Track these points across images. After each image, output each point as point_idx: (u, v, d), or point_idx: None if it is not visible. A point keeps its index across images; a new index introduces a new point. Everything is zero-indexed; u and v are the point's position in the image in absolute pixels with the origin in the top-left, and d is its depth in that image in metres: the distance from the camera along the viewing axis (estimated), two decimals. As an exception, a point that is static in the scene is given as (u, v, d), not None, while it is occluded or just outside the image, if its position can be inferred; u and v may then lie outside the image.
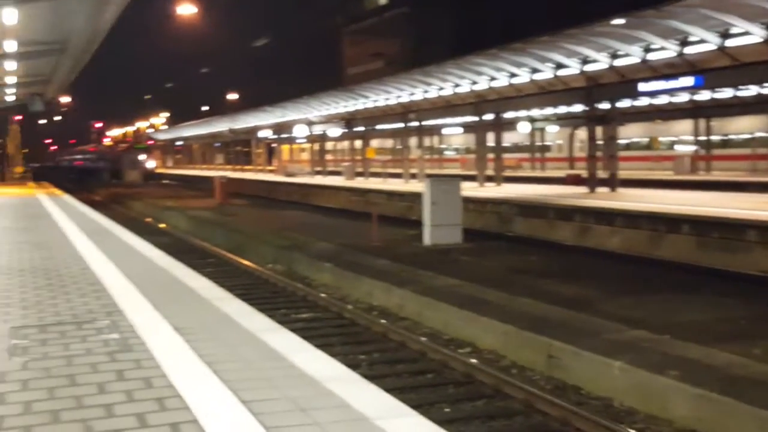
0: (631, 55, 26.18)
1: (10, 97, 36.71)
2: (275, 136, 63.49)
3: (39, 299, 9.20)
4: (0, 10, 15.43)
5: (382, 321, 12.67)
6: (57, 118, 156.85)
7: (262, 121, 62.21)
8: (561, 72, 29.37)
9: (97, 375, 6.00)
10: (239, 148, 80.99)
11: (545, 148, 57.73)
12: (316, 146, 60.41)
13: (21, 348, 6.83)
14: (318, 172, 55.94)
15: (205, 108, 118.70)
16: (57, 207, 27.19)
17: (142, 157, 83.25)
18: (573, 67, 28.54)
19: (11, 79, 27.91)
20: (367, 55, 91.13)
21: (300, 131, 55.28)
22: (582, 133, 51.64)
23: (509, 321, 10.80)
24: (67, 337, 7.21)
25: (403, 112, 41.41)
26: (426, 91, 37.92)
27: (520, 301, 12.11)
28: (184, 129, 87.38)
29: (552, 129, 55.31)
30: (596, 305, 12.20)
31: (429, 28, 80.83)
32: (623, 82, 27.78)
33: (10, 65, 23.36)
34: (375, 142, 66.44)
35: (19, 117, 78.22)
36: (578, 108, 36.66)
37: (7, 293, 9.63)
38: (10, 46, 19.93)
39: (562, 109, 41.50)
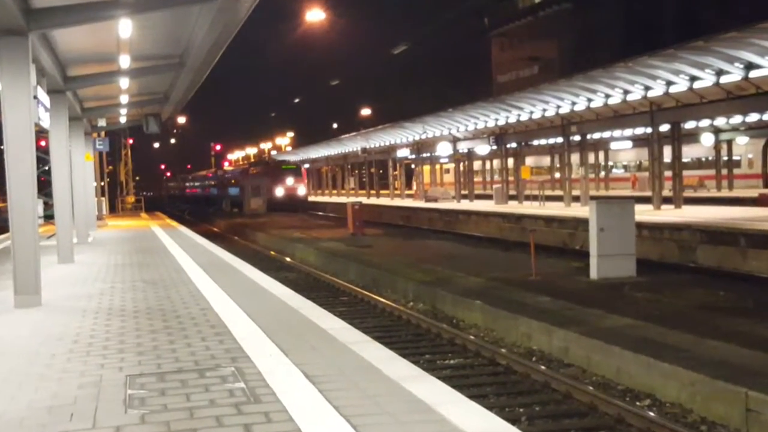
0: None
1: (122, 118, 38.11)
2: (414, 156, 63.79)
3: (156, 344, 9.49)
4: (114, 22, 16.06)
5: (543, 367, 12.50)
6: (172, 141, 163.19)
7: (399, 138, 62.73)
8: (753, 73, 28.33)
9: (222, 429, 6.12)
10: (373, 170, 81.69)
11: (732, 164, 56.02)
12: (462, 166, 60.39)
13: (138, 399, 7.04)
14: (463, 196, 55.93)
15: (334, 125, 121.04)
16: (173, 240, 28.14)
17: (290, 181, 72.04)
18: (767, 67, 27.59)
19: (124, 98, 29.00)
20: (520, 60, 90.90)
21: (443, 149, 55.45)
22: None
23: (696, 368, 10.46)
24: (188, 387, 7.40)
25: (562, 124, 41.00)
26: (590, 100, 37.36)
27: (708, 344, 11.73)
28: (311, 150, 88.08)
29: (741, 141, 53.78)
30: (804, 350, 11.68)
31: (593, 26, 79.92)
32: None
33: (124, 82, 24.28)
34: (530, 160, 66.12)
35: (131, 140, 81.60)
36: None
37: (121, 338, 9.98)
38: (125, 61, 20.72)
39: (754, 117, 40.25)
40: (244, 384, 7.38)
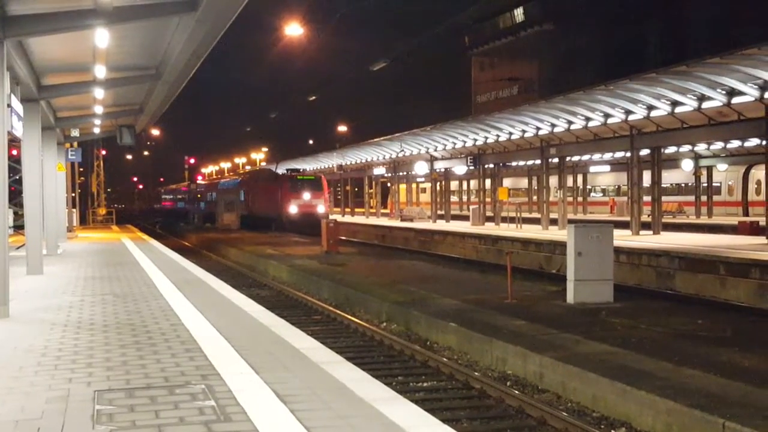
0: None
1: (96, 129, 37.94)
2: (390, 174, 63.84)
3: (125, 359, 9.46)
4: (91, 32, 16.03)
5: (518, 392, 12.52)
6: (145, 153, 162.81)
7: (375, 156, 62.86)
8: (735, 100, 28.64)
9: (191, 448, 6.12)
10: (349, 187, 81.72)
11: (712, 190, 56.32)
12: (438, 186, 60.47)
13: (106, 415, 7.02)
14: (440, 216, 56.00)
15: (309, 142, 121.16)
16: (143, 253, 28.03)
17: (307, 195, 57.29)
18: (749, 94, 27.81)
19: (99, 109, 28.86)
20: (500, 80, 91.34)
21: (420, 168, 55.57)
22: (760, 173, 50.40)
23: (673, 396, 10.50)
24: (157, 404, 7.38)
25: (541, 146, 41.17)
26: (570, 122, 37.61)
27: (686, 373, 11.78)
28: (285, 166, 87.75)
29: (722, 167, 54.13)
30: (780, 379, 11.76)
31: (574, 48, 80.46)
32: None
33: (99, 93, 24.18)
34: (507, 182, 66.30)
35: (104, 152, 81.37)
36: (755, 142, 35.83)
37: (90, 352, 9.94)
38: (100, 71, 20.64)
39: (735, 144, 40.56)
40: (214, 402, 7.37)
